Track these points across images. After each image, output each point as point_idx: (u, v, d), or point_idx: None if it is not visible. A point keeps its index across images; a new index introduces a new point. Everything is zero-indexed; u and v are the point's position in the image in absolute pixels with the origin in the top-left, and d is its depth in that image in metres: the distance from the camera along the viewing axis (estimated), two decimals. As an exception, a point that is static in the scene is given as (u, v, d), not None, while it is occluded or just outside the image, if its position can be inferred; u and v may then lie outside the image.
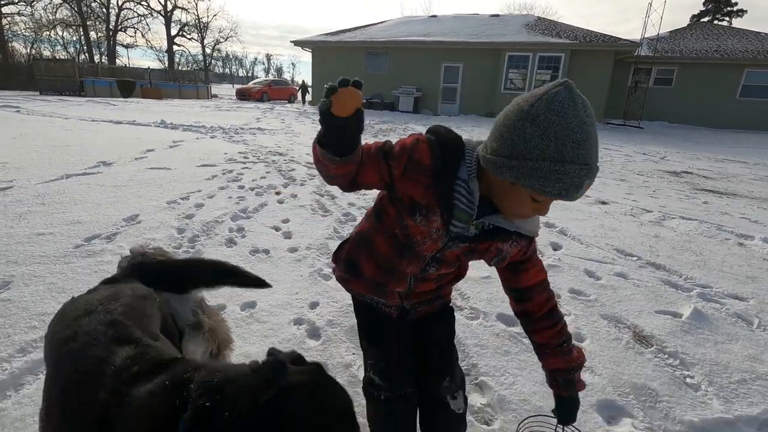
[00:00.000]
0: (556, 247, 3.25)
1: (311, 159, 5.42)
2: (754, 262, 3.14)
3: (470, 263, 1.26)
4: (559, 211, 4.19)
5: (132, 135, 7.72)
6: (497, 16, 21.97)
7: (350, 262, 1.24)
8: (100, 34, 39.94)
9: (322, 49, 20.44)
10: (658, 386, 1.76)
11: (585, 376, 1.80)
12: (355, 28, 21.99)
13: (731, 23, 32.68)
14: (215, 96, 27.99)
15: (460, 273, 1.28)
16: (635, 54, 17.25)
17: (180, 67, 43.55)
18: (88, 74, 22.29)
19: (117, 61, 39.05)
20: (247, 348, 1.87)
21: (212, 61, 53.74)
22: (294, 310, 2.21)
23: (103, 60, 38.47)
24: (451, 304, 1.38)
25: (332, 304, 2.28)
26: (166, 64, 42.32)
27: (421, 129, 11.18)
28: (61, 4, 35.44)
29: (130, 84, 21.35)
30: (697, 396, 1.72)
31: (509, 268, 1.15)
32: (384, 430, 1.22)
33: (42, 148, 5.83)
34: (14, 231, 2.96)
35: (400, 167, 0.97)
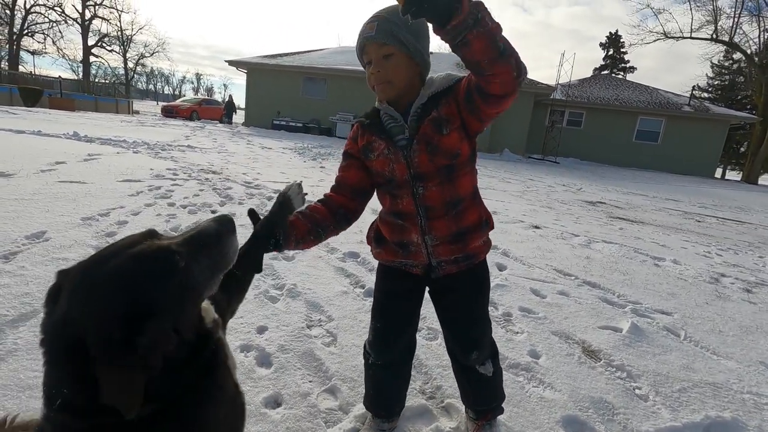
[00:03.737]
0: (501, 268, 3.34)
1: (249, 178, 5.19)
2: (671, 281, 3.47)
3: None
4: (499, 234, 4.36)
5: (36, 146, 6.82)
6: (431, 53, 23.26)
7: (377, 235, 1.37)
8: (0, 37, 35.79)
9: (259, 72, 20.10)
10: (613, 399, 1.80)
11: (546, 392, 1.81)
12: (293, 53, 21.99)
13: (625, 77, 37.81)
14: (137, 112, 26.11)
15: (459, 192, 1.22)
16: (551, 97, 19.16)
17: (97, 80, 40.28)
18: (-17, 79, 19.72)
19: (21, 68, 35.04)
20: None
21: (135, 75, 50.44)
22: (239, 335, 1.99)
23: (2, 65, 34.33)
24: (481, 265, 1.34)
25: (283, 328, 2.09)
26: (82, 76, 38.87)
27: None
28: (-48, -1, 31.38)
29: (35, 92, 19.18)
30: (647, 406, 1.79)
31: (471, 100, 1.11)
32: (368, 387, 1.49)
33: None
34: None
35: (354, 147, 1.30)
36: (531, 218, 5.52)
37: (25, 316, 1.92)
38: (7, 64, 34.82)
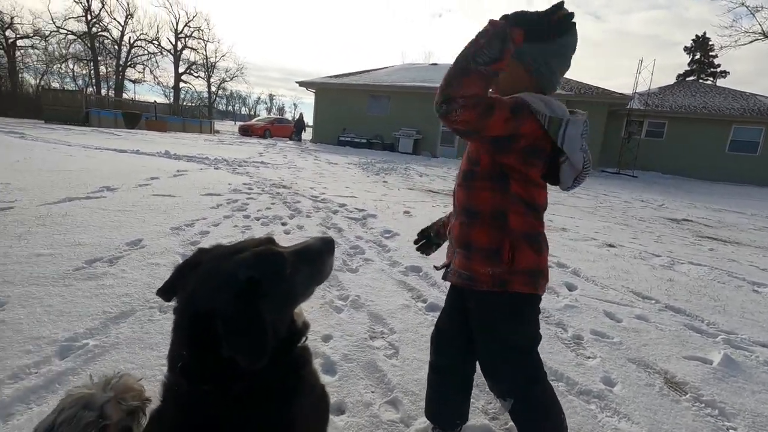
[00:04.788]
0: (571, 288, 3.17)
1: (316, 193, 5.41)
2: (774, 310, 3.06)
3: None
4: (568, 252, 4.14)
5: (136, 163, 7.71)
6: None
7: None
8: (109, 69, 41.16)
9: (326, 91, 21.09)
10: (702, 437, 1.63)
11: (621, 424, 1.68)
12: (359, 72, 22.82)
13: (715, 82, 34.39)
14: (217, 131, 28.49)
15: (473, 203, 1.22)
16: (628, 107, 17.94)
17: (185, 104, 44.65)
18: (94, 105, 22.71)
19: (124, 95, 39.93)
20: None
21: (216, 98, 55.16)
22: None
23: (110, 93, 39.34)
24: (485, 291, 1.20)
25: (347, 338, 2.15)
26: (172, 100, 43.35)
27: (422, 170, 11.23)
28: (74, 39, 36.75)
29: (135, 116, 21.71)
30: (744, 449, 1.60)
31: None
32: (427, 390, 1.50)
33: (45, 172, 5.78)
34: (12, 251, 2.84)
35: None
36: (604, 236, 5.18)
37: (126, 314, 2.17)
38: (113, 91, 39.84)
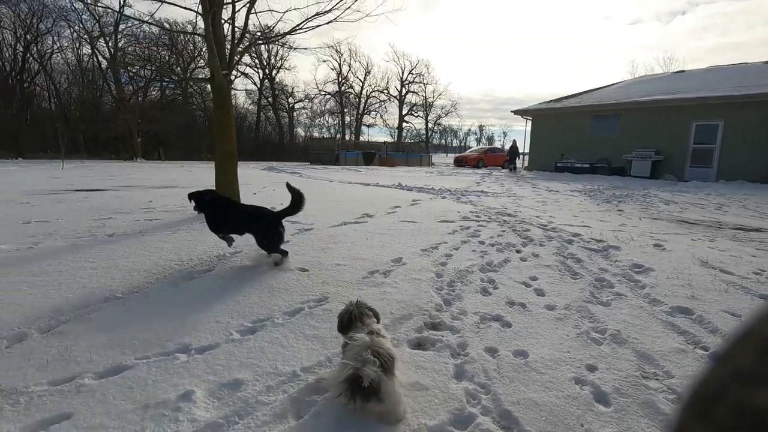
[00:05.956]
0: None
1: (543, 221, 5.32)
2: None
3: None
4: None
5: (379, 194, 9.23)
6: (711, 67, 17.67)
7: None
8: (351, 118, 50.75)
9: (542, 116, 20.45)
10: None
11: None
12: (580, 93, 21.29)
13: None
14: (434, 164, 31.08)
15: None
16: None
17: (406, 140, 50.64)
18: (342, 148, 28.27)
19: (361, 137, 48.39)
20: (530, 395, 1.86)
21: (432, 133, 60.44)
22: (570, 368, 2.10)
23: (352, 137, 48.37)
24: None
25: (615, 372, 2.07)
26: (396, 138, 49.86)
27: (666, 196, 9.56)
28: (330, 98, 47.09)
29: (371, 154, 25.96)
30: None
31: None
32: None
33: (323, 202, 7.57)
34: (321, 260, 3.85)
35: None
36: None
37: (405, 317, 2.66)
38: (354, 135, 48.72)
